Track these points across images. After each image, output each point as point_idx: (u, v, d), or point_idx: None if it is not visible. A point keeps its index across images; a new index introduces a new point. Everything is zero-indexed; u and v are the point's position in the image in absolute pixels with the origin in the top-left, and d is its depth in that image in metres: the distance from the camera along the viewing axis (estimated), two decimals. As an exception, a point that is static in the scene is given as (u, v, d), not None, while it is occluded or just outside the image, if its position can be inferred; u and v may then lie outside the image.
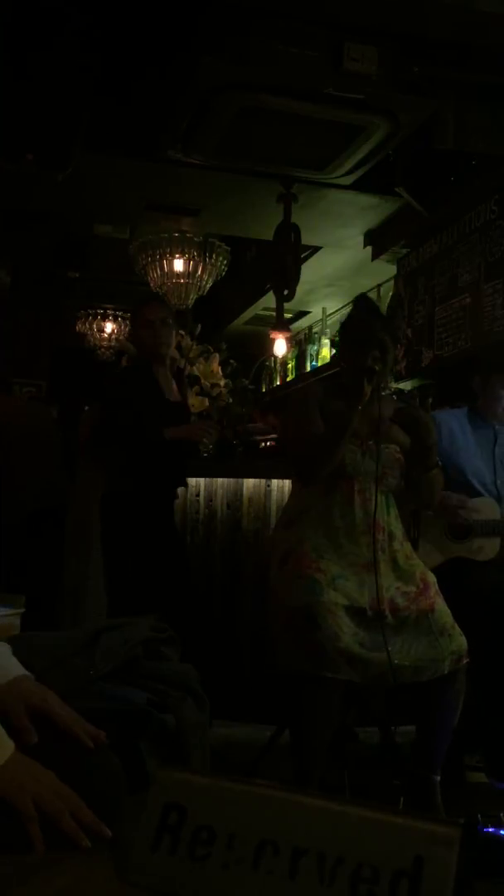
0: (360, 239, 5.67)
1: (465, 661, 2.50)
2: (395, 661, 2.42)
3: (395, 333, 2.73)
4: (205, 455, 3.65)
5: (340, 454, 2.53)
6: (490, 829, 1.11)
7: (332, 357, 6.38)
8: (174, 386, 3.69)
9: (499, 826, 1.11)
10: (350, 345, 2.67)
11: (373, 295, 6.40)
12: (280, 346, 6.03)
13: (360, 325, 2.65)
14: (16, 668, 1.25)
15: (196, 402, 4.65)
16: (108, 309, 6.73)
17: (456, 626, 2.52)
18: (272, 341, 5.90)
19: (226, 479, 3.99)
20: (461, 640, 2.50)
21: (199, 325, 5.20)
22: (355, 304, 2.83)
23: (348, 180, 4.70)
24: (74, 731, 1.19)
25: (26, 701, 1.20)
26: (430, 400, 4.93)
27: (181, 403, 3.71)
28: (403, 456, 2.65)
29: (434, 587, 2.59)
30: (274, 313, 5.44)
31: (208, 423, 3.58)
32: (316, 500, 2.60)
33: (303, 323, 7.42)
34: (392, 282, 5.68)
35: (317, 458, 2.54)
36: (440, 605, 2.55)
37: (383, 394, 2.73)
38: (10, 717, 1.17)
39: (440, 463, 2.74)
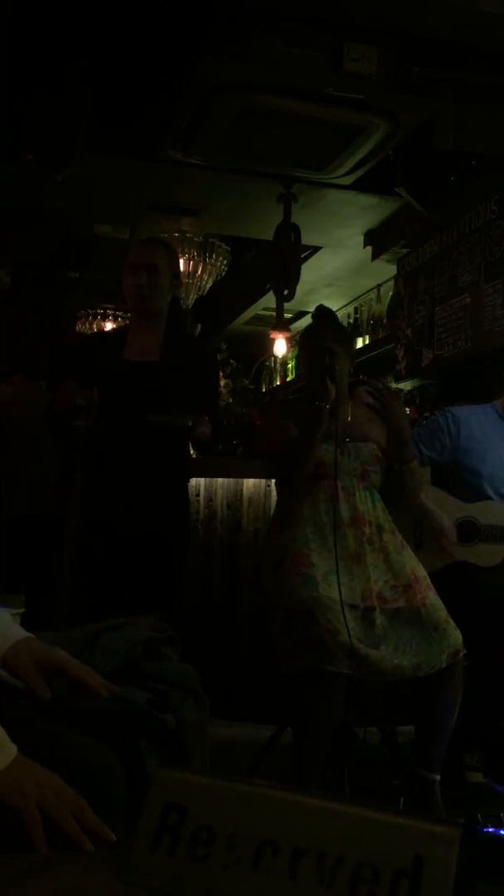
0: (360, 239, 5.67)
1: (462, 654, 2.51)
2: (395, 661, 2.44)
3: (345, 338, 2.89)
4: (76, 425, 2.80)
5: (315, 455, 2.60)
6: (490, 829, 1.11)
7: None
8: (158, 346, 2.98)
9: (499, 826, 1.11)
10: (306, 352, 2.80)
11: (373, 295, 6.41)
12: (280, 346, 6.04)
13: (311, 334, 2.80)
14: (19, 632, 1.26)
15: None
16: (108, 309, 6.73)
17: (450, 620, 2.54)
18: (272, 341, 5.90)
19: (226, 479, 3.99)
20: (456, 634, 2.52)
21: (199, 325, 5.21)
22: (312, 316, 2.94)
23: (348, 180, 4.70)
24: (88, 681, 1.21)
25: (35, 658, 1.20)
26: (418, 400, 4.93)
27: (153, 365, 2.93)
28: (382, 453, 2.71)
29: (425, 581, 2.62)
30: (274, 313, 5.44)
31: (70, 386, 2.75)
32: (302, 502, 2.64)
33: (303, 323, 7.40)
34: (392, 282, 5.68)
35: (294, 462, 2.62)
36: (432, 599, 2.57)
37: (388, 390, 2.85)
38: (20, 674, 1.17)
39: (418, 456, 2.82)
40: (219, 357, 4.94)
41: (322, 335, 2.73)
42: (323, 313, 2.88)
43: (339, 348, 2.70)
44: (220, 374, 4.88)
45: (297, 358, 2.88)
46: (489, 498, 3.14)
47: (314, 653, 2.37)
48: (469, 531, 3.10)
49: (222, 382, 4.86)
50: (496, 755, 2.96)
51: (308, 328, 2.91)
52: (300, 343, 2.91)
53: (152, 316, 3.03)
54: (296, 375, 7.09)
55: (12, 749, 1.06)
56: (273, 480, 3.87)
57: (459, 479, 3.14)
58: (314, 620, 2.38)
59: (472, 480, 3.15)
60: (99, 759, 1.19)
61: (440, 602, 2.58)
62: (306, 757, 2.43)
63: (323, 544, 2.56)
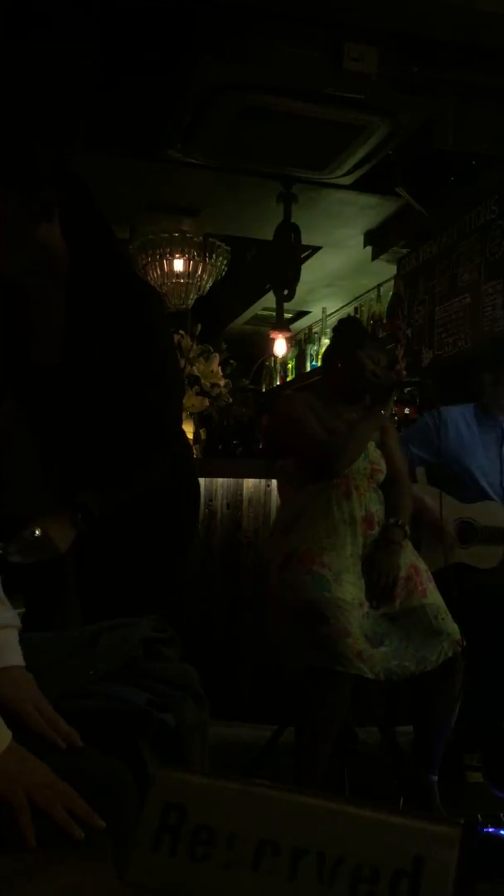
0: (360, 239, 5.67)
1: (463, 644, 2.53)
2: (398, 660, 2.45)
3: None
4: None
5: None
6: (490, 829, 1.11)
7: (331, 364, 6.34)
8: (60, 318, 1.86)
9: (499, 826, 1.11)
10: (362, 357, 2.80)
11: (373, 295, 6.41)
12: (280, 346, 6.03)
13: (368, 345, 2.86)
14: (10, 658, 1.25)
15: (196, 402, 4.65)
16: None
17: (447, 611, 2.58)
18: (272, 341, 5.90)
19: (226, 479, 3.99)
20: (455, 626, 2.56)
21: (199, 325, 5.20)
22: (348, 327, 3.04)
23: (348, 180, 4.70)
24: (46, 735, 1.19)
25: None
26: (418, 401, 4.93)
27: (56, 366, 1.86)
28: (385, 453, 2.78)
29: (426, 573, 2.66)
30: (274, 313, 5.44)
31: None
32: (312, 502, 2.66)
33: (303, 323, 7.42)
34: (392, 282, 5.68)
35: (341, 456, 2.65)
36: (432, 590, 2.62)
37: None
38: None
39: (408, 455, 2.95)
40: (219, 357, 4.90)
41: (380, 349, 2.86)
42: (359, 330, 3.04)
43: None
44: (220, 374, 4.84)
45: (344, 358, 2.90)
46: (487, 496, 3.14)
47: (324, 653, 2.37)
48: (467, 532, 3.10)
49: (222, 382, 4.83)
50: (496, 755, 2.96)
51: (359, 340, 2.92)
52: (350, 347, 2.92)
53: (36, 284, 1.83)
54: (295, 375, 7.10)
55: (7, 735, 1.06)
56: (273, 481, 3.87)
57: (455, 478, 3.15)
58: (325, 620, 2.39)
59: (466, 479, 3.16)
60: (100, 759, 1.19)
61: (438, 594, 2.63)
62: (310, 756, 2.43)
63: (334, 544, 2.57)
